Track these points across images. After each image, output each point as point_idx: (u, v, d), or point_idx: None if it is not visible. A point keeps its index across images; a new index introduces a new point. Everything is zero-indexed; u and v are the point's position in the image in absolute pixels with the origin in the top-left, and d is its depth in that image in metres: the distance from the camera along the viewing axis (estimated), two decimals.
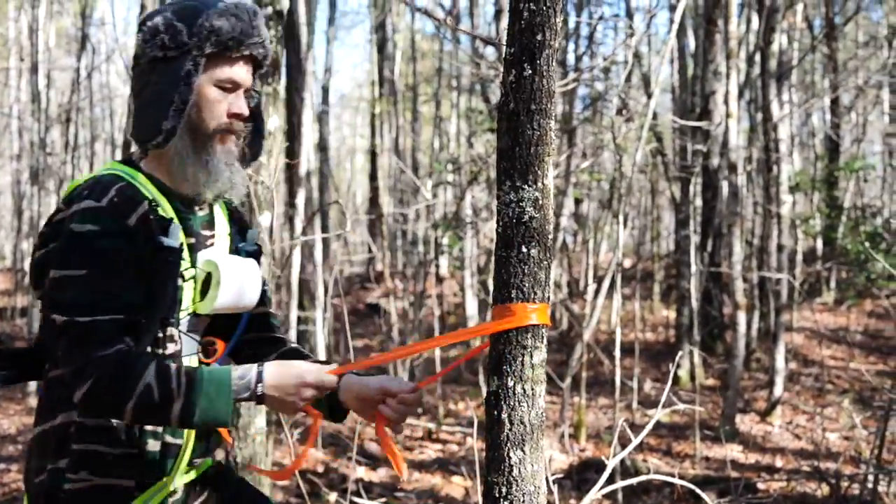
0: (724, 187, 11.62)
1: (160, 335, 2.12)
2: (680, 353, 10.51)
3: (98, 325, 2.00)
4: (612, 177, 11.42)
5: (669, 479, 4.10)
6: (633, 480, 4.17)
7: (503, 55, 2.10)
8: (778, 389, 10.19)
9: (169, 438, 2.17)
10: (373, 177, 22.92)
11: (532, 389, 2.06)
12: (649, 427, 4.05)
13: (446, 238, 14.28)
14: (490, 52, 12.39)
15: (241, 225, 2.44)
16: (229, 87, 2.22)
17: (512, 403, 2.04)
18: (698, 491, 4.22)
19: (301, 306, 11.95)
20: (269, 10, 4.80)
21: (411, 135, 21.38)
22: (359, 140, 32.27)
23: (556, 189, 10.18)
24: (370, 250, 14.81)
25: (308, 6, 13.28)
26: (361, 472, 8.22)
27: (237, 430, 4.64)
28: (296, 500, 7.28)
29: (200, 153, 2.19)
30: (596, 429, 9.88)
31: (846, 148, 19.73)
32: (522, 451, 2.05)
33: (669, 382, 4.14)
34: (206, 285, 2.21)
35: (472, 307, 15.62)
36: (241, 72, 2.23)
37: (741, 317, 9.75)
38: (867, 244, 12.32)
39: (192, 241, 2.21)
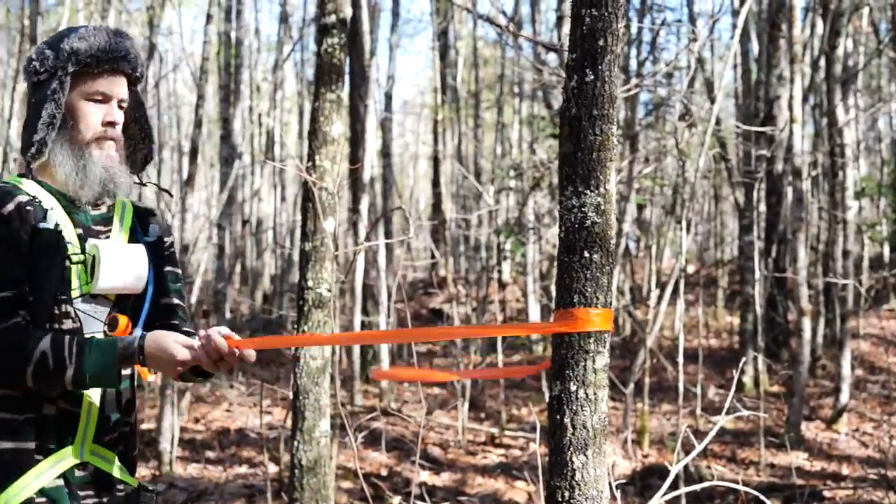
0: (789, 192, 11.52)
1: (56, 311, 2.37)
2: (744, 359, 10.38)
3: None
4: (674, 182, 11.34)
5: (734, 485, 4.07)
6: (697, 486, 4.17)
7: (565, 61, 2.12)
8: (844, 396, 10.07)
9: (63, 404, 2.38)
10: (435, 183, 22.98)
11: (594, 394, 2.08)
12: (713, 433, 4.04)
13: (509, 243, 14.30)
14: (552, 57, 12.41)
15: (146, 221, 2.66)
16: (100, 98, 2.48)
17: (574, 408, 2.07)
18: (763, 498, 4.19)
19: (365, 311, 12.03)
20: (333, 18, 4.88)
21: (473, 141, 21.40)
22: (421, 146, 32.35)
23: (618, 195, 10.16)
24: (433, 256, 14.82)
25: (371, 15, 13.37)
26: (425, 476, 8.27)
27: (302, 433, 4.72)
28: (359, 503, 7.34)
29: (78, 159, 2.45)
30: (659, 435, 9.83)
31: None
32: (585, 455, 2.07)
33: (733, 388, 4.14)
34: (95, 269, 2.44)
35: (534, 312, 15.62)
36: (107, 84, 2.48)
37: (806, 323, 9.65)
38: None
39: (80, 231, 2.45)
